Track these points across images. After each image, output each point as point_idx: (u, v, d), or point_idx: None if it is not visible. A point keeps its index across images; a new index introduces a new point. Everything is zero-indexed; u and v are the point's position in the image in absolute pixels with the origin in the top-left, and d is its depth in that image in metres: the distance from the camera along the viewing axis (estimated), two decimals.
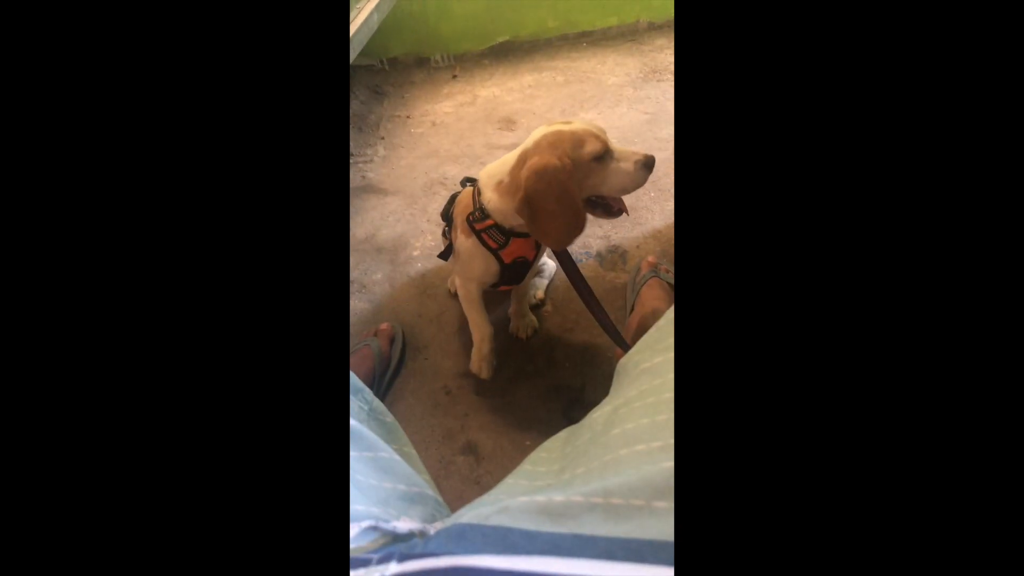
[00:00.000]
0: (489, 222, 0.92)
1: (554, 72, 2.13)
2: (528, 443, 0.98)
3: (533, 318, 1.17)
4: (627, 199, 1.37)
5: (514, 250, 0.95)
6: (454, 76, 2.25)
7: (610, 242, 1.36)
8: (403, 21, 2.23)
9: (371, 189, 1.67)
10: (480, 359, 1.06)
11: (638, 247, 1.34)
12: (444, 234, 1.08)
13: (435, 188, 1.64)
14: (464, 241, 0.96)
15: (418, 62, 2.37)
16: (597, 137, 0.86)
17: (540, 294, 1.23)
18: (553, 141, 0.85)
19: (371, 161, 1.80)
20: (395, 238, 1.48)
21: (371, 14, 1.54)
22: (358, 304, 1.29)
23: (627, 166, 0.87)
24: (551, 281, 1.27)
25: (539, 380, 1.09)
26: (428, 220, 1.52)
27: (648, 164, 0.88)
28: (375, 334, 1.13)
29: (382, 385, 1.08)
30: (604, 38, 2.29)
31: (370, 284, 1.35)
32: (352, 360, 1.05)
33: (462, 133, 1.88)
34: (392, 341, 1.14)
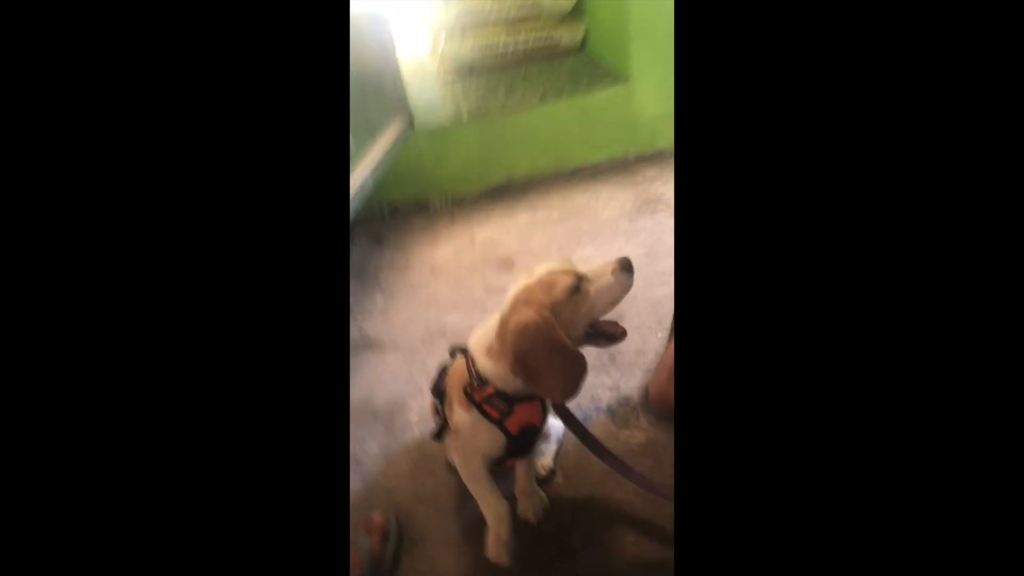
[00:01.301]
0: (489, 390, 0.85)
1: (549, 210, 2.17)
2: None
3: (543, 495, 1.05)
4: (635, 345, 1.30)
5: (520, 417, 0.87)
6: (452, 219, 2.29)
7: (620, 393, 1.27)
8: (401, 170, 2.33)
9: (368, 345, 1.62)
10: (499, 544, 0.92)
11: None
12: (436, 411, 0.99)
13: (435, 340, 1.59)
14: (463, 416, 0.88)
15: (417, 207, 2.44)
16: (564, 272, 0.85)
17: (547, 463, 1.11)
18: (525, 297, 0.83)
19: (369, 315, 1.77)
20: (391, 401, 1.39)
21: (365, 180, 1.59)
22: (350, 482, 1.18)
23: (606, 280, 0.86)
24: (560, 447, 1.15)
25: (554, 575, 0.94)
26: (427, 377, 1.43)
27: (625, 266, 0.88)
28: (365, 528, 1.01)
29: None
30: (595, 173, 2.36)
31: (364, 458, 1.24)
32: None
33: (461, 278, 1.86)
34: (385, 538, 1.01)
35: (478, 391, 0.86)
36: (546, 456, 1.12)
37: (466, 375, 0.88)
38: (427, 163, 2.37)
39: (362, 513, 1.07)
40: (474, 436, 0.89)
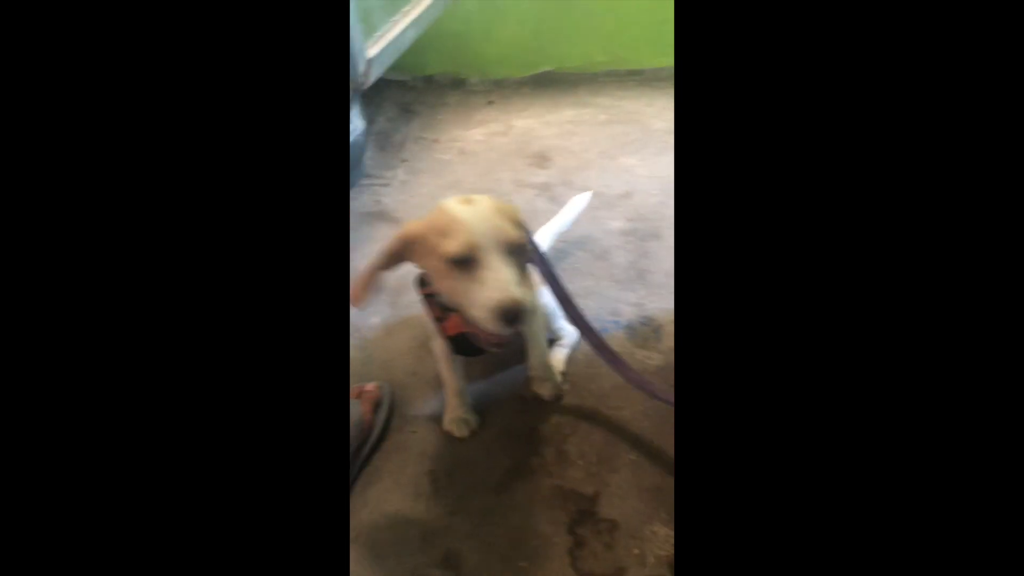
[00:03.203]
0: (429, 290, 0.81)
1: (596, 109, 1.98)
2: (522, 564, 0.79)
3: (558, 380, 1.00)
4: (666, 266, 1.20)
5: (456, 324, 0.82)
6: (490, 102, 2.11)
7: (643, 311, 1.18)
8: (442, 39, 2.11)
9: (384, 216, 1.52)
10: (452, 417, 0.96)
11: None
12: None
13: None
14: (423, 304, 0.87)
15: (454, 83, 2.24)
16: (462, 235, 0.66)
17: (559, 367, 1.05)
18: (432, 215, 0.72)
19: (388, 185, 1.65)
20: (400, 276, 1.29)
21: (406, 29, 1.41)
22: None
23: (485, 295, 0.66)
24: (572, 351, 1.09)
25: (544, 479, 0.90)
26: None
27: (507, 315, 0.65)
28: (358, 395, 0.96)
29: (358, 460, 0.90)
30: (655, 79, 2.13)
31: (364, 328, 1.18)
32: None
33: (491, 165, 1.72)
34: (377, 406, 0.96)
35: (422, 285, 0.83)
36: (558, 358, 1.05)
37: None
38: (473, 35, 2.14)
39: (357, 382, 1.03)
40: (428, 322, 0.88)
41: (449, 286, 0.70)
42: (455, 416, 0.95)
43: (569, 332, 1.09)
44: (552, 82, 2.20)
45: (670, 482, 0.87)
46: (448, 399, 0.96)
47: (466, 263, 0.67)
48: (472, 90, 2.21)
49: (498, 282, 0.66)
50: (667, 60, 2.15)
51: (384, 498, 0.88)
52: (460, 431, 0.95)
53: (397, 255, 0.74)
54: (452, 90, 2.22)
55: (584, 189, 1.58)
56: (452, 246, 0.66)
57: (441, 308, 0.82)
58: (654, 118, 1.90)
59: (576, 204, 1.27)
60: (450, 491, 0.89)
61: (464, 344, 0.85)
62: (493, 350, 0.79)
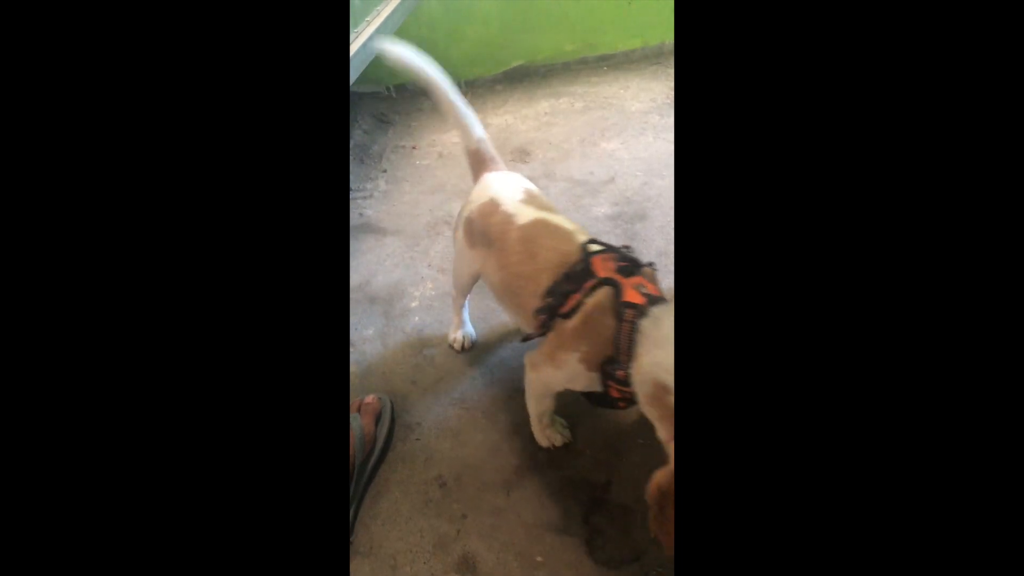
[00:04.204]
0: (626, 390, 0.72)
1: (572, 98, 1.97)
2: (539, 559, 0.78)
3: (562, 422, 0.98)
4: (657, 245, 1.18)
5: (619, 393, 0.75)
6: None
7: None
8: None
9: (369, 228, 1.51)
10: (542, 433, 0.92)
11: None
12: (542, 324, 0.78)
13: (439, 228, 1.47)
14: (578, 365, 0.76)
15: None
16: None
17: None
18: None
19: (371, 196, 1.64)
20: (391, 286, 1.30)
21: (370, 38, 1.40)
22: None
23: None
24: None
25: (553, 472, 0.89)
26: (429, 265, 1.35)
27: None
28: (358, 409, 0.95)
29: (364, 474, 0.89)
30: (627, 61, 2.12)
31: (360, 342, 1.17)
32: None
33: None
34: (378, 418, 0.95)
35: (616, 384, 0.73)
36: None
37: (610, 337, 0.71)
38: (439, 38, 2.14)
39: (356, 396, 1.02)
40: (575, 379, 0.78)
41: None
42: (546, 427, 0.92)
43: None
44: (525, 76, 2.20)
45: None
46: (534, 420, 0.92)
47: None
48: None
49: None
50: (636, 42, 2.14)
51: (395, 509, 0.87)
52: (560, 439, 0.92)
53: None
54: (425, 96, 2.21)
55: (567, 179, 1.57)
56: None
57: (630, 399, 0.74)
58: (630, 100, 1.89)
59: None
60: (460, 494, 0.88)
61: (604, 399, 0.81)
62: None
